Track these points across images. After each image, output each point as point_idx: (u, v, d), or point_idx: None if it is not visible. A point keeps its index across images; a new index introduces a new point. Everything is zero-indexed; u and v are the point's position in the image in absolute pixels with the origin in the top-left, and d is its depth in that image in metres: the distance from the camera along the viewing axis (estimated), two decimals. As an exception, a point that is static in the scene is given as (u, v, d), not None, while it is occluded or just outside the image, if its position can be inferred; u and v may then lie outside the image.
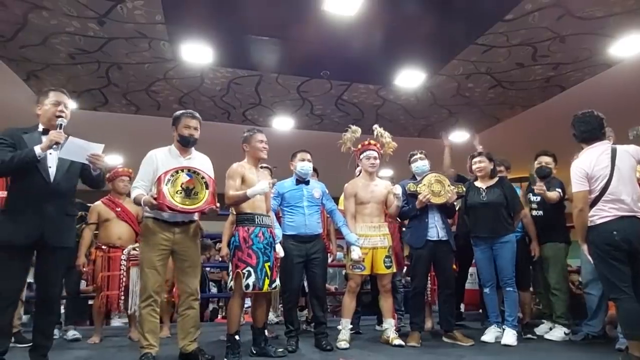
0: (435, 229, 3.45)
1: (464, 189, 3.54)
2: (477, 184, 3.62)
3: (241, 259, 2.83)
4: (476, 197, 3.55)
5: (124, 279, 3.53)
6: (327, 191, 3.55)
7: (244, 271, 2.81)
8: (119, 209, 3.69)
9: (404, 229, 3.93)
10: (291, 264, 3.27)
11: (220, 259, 4.00)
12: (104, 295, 3.51)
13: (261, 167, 3.24)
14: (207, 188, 2.69)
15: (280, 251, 3.11)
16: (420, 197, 3.39)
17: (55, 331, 3.77)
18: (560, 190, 3.61)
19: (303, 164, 3.43)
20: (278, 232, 3.17)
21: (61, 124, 2.46)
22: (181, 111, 2.89)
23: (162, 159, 2.79)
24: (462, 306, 4.64)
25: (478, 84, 5.55)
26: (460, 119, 6.63)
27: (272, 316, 4.31)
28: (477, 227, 3.53)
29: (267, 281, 2.84)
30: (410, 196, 3.47)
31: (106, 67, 5.06)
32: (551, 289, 3.66)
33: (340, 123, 6.62)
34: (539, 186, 3.48)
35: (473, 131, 4.18)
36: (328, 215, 3.57)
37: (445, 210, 3.51)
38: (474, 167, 3.63)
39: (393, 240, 3.51)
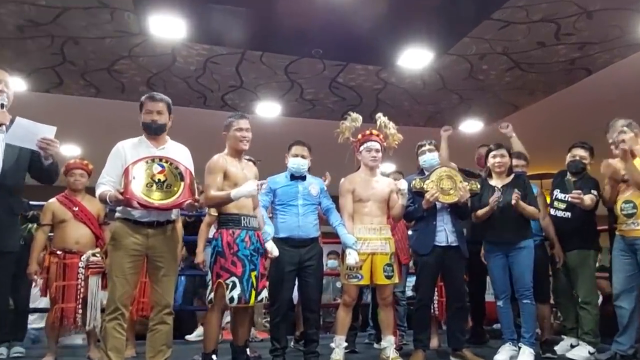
0: (445, 232, 3.46)
1: (478, 186, 3.55)
2: (492, 181, 3.63)
3: (224, 267, 2.84)
4: (489, 196, 3.54)
5: (82, 290, 3.53)
6: (325, 188, 3.59)
7: (227, 282, 2.83)
8: (77, 209, 3.66)
9: (409, 232, 3.96)
10: (281, 271, 3.29)
11: (198, 266, 4.00)
12: (58, 308, 3.49)
13: (245, 159, 3.24)
14: (182, 180, 2.70)
15: (273, 249, 3.10)
16: (427, 195, 3.39)
17: (3, 349, 3.76)
18: (595, 192, 3.58)
19: (295, 161, 3.45)
20: (269, 229, 3.19)
21: (2, 104, 2.44)
22: (145, 95, 2.90)
23: (131, 150, 2.79)
24: (469, 321, 4.65)
25: (493, 66, 5.58)
26: (473, 105, 6.66)
27: (254, 332, 4.34)
28: (490, 232, 3.55)
29: (253, 293, 2.87)
30: (416, 194, 3.49)
31: (61, 42, 5.00)
32: (580, 302, 3.70)
33: (335, 110, 6.60)
34: (576, 194, 3.47)
35: (492, 119, 4.14)
36: (324, 215, 3.59)
37: (457, 211, 3.52)
38: (492, 161, 3.60)
39: (398, 242, 3.53)
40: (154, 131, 2.84)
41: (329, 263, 6.33)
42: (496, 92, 6.27)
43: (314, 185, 3.50)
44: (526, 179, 3.68)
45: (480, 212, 3.54)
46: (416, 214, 3.51)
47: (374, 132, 3.52)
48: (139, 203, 2.60)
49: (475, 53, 5.29)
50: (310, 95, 6.36)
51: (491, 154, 3.63)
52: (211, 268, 2.92)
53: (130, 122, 3.06)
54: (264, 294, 3.00)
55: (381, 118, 3.62)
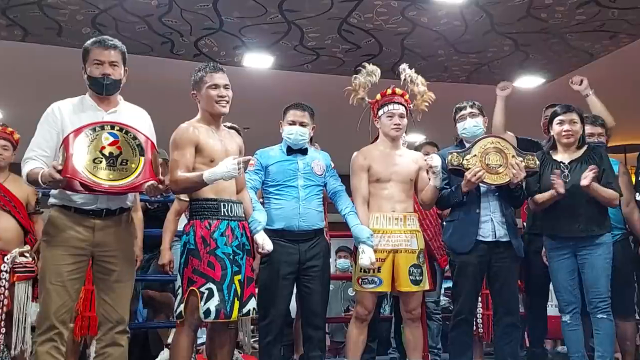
0: (491, 224, 3.48)
1: (537, 162, 3.54)
2: (557, 155, 3.63)
3: (198, 270, 2.85)
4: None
5: (5, 302, 3.53)
6: (332, 164, 3.60)
7: (202, 289, 2.83)
8: (-2, 193, 3.69)
9: (444, 222, 3.97)
10: (275, 275, 3.31)
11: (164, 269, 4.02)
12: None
13: (226, 127, 3.24)
14: (142, 154, 2.70)
15: (265, 242, 3.11)
16: (468, 174, 3.39)
17: None
18: None
19: (292, 130, 3.46)
20: (260, 215, 3.21)
21: None
22: (92, 39, 2.87)
23: (71, 115, 2.78)
24: (524, 341, 4.66)
25: (560, 0, 5.52)
26: (532, 54, 6.60)
27: (238, 356, 4.38)
28: (553, 223, 3.55)
29: (236, 304, 2.87)
30: (453, 173, 3.49)
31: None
32: None
33: (346, 61, 6.55)
34: None
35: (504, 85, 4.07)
36: (330, 199, 3.61)
37: (509, 195, 3.51)
38: (558, 129, 3.60)
39: (429, 237, 3.55)
40: (105, 90, 2.82)
41: (339, 263, 6.37)
42: (564, 37, 6.21)
43: (319, 160, 3.52)
44: (604, 152, 3.68)
45: (539, 197, 3.53)
46: (453, 199, 3.51)
47: (397, 90, 3.50)
48: (82, 184, 2.58)
49: (536, -19, 5.25)
50: (314, 42, 6.31)
51: (556, 119, 3.62)
52: (180, 272, 2.92)
53: (69, 76, 3.05)
54: (252, 304, 3.00)
55: (406, 71, 3.61)
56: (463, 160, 3.44)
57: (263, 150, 3.51)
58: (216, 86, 3.00)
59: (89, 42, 2.87)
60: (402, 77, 3.59)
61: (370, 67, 3.56)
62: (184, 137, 2.93)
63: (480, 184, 3.44)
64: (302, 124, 3.46)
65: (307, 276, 3.40)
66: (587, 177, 3.37)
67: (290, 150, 3.49)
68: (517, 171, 3.43)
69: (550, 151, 3.68)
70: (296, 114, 3.48)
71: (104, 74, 2.79)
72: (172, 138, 2.95)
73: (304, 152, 3.50)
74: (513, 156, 3.47)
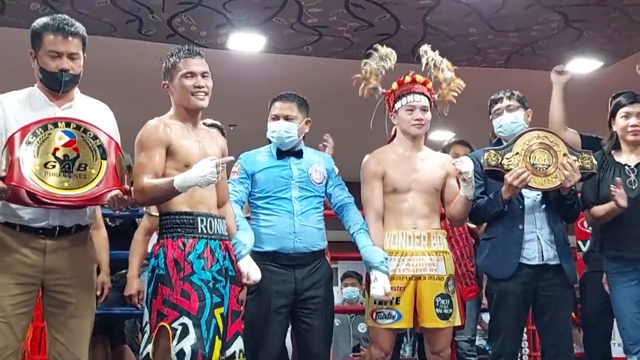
0: (537, 243, 3.47)
1: (595, 162, 3.51)
2: (620, 157, 3.63)
3: (169, 301, 2.83)
4: (618, 183, 3.55)
5: None
6: (336, 169, 3.59)
7: (174, 325, 2.81)
8: None
9: (479, 240, 3.94)
10: (266, 309, 3.32)
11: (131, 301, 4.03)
12: None
13: (206, 125, 3.26)
14: (104, 157, 2.71)
15: (251, 271, 3.10)
16: (509, 177, 3.34)
17: None
18: None
19: (274, 127, 3.47)
20: (244, 236, 3.20)
21: None
22: (44, 19, 2.86)
23: (17, 110, 2.79)
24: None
25: (622, -34, 5.56)
26: (587, 32, 6.61)
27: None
28: (616, 242, 3.54)
29: (217, 344, 2.86)
30: (490, 175, 3.47)
31: None
32: None
33: (355, 43, 6.59)
34: None
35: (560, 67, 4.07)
36: (336, 214, 3.60)
37: (560, 204, 3.49)
38: (622, 123, 3.60)
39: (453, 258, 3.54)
40: (64, 86, 2.84)
41: (346, 293, 6.38)
42: (625, 9, 6.20)
43: (318, 165, 3.52)
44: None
45: (598, 209, 3.52)
46: (491, 208, 3.48)
47: (418, 78, 3.52)
48: (30, 194, 2.59)
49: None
50: (316, 19, 6.34)
51: (620, 111, 3.63)
52: (148, 304, 2.91)
53: (14, 63, 3.06)
54: (238, 345, 2.98)
55: (428, 53, 3.62)
56: (503, 159, 3.40)
57: (248, 154, 3.49)
58: (192, 74, 2.99)
59: (40, 22, 2.85)
60: (424, 61, 3.60)
61: (383, 49, 3.56)
62: (153, 136, 2.91)
63: (524, 190, 3.43)
64: (287, 118, 3.46)
65: (305, 309, 3.39)
66: None
67: (280, 153, 3.48)
68: (570, 172, 3.38)
69: (612, 151, 3.68)
70: (279, 107, 3.49)
71: (62, 69, 2.80)
72: (138, 137, 2.94)
73: (298, 154, 3.49)
74: (565, 154, 3.44)
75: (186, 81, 2.98)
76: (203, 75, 3.01)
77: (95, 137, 2.73)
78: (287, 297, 3.36)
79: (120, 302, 4.16)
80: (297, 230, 3.38)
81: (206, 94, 3.02)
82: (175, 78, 3.00)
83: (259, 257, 3.25)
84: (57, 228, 2.76)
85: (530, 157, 3.41)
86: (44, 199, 2.61)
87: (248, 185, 3.45)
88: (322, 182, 3.50)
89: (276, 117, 3.47)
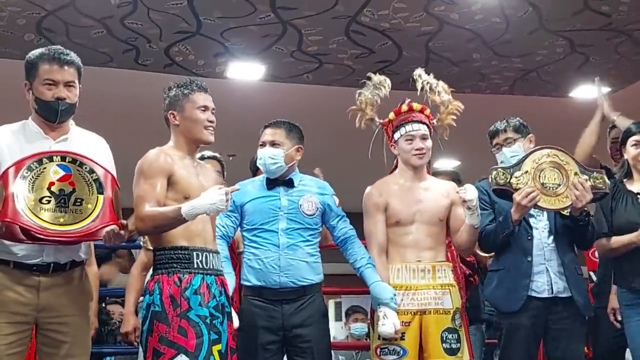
0: (546, 275, 3.46)
1: (607, 182, 3.47)
2: (632, 185, 3.65)
3: (166, 338, 2.82)
4: (630, 211, 3.56)
5: None
6: (335, 199, 3.57)
7: (171, 363, 2.82)
8: None
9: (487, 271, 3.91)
10: (253, 345, 3.30)
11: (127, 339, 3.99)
12: None
13: (203, 158, 3.29)
14: (100, 191, 2.71)
15: (234, 320, 3.13)
16: (517, 196, 3.31)
17: None
18: None
19: (261, 153, 3.46)
20: (228, 280, 3.19)
21: None
22: (39, 50, 2.88)
23: (11, 143, 2.81)
24: None
25: (629, -11, 5.57)
26: (593, 57, 6.62)
27: None
28: (631, 270, 3.53)
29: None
30: (498, 195, 3.44)
31: None
32: None
33: (356, 69, 6.62)
34: None
35: (599, 84, 4.08)
36: (338, 246, 3.58)
37: (572, 229, 3.47)
38: (634, 152, 3.61)
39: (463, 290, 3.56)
40: (59, 116, 2.84)
41: (354, 328, 6.37)
42: (632, 34, 6.23)
43: (310, 196, 3.49)
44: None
45: (617, 240, 3.52)
46: (501, 231, 3.44)
47: (415, 105, 3.53)
48: (24, 230, 2.59)
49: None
50: (316, 46, 6.39)
51: (631, 139, 3.64)
52: (144, 342, 2.90)
53: (8, 95, 3.05)
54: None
55: (422, 77, 3.65)
56: (511, 178, 3.38)
57: (240, 184, 3.47)
58: (205, 108, 3.05)
59: (35, 53, 2.88)
60: (419, 85, 3.63)
61: (377, 77, 3.60)
62: (155, 165, 2.94)
63: (532, 220, 3.43)
64: (273, 144, 3.44)
65: (296, 347, 3.36)
66: None
67: (271, 183, 3.47)
68: (581, 192, 3.34)
69: (624, 180, 3.69)
70: (267, 133, 3.49)
71: (59, 97, 2.81)
72: (139, 166, 2.96)
73: (288, 183, 3.48)
74: (576, 173, 3.42)
75: (201, 114, 3.03)
76: (212, 111, 3.08)
77: (91, 171, 2.73)
78: (274, 334, 3.33)
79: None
80: (282, 265, 3.35)
81: (214, 129, 3.07)
82: (187, 109, 3.05)
83: (247, 291, 3.31)
84: (52, 264, 2.76)
85: (540, 176, 3.39)
86: (39, 235, 2.61)
87: (235, 218, 3.45)
88: (314, 214, 3.46)
89: (263, 144, 3.47)
